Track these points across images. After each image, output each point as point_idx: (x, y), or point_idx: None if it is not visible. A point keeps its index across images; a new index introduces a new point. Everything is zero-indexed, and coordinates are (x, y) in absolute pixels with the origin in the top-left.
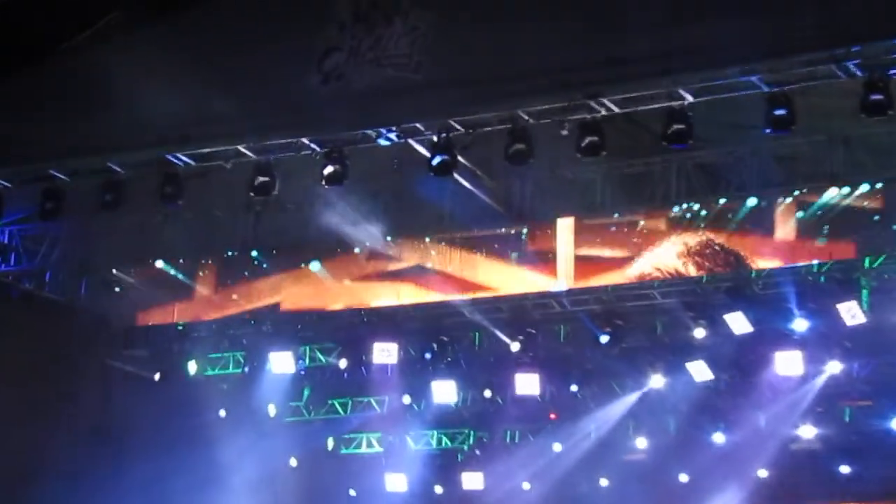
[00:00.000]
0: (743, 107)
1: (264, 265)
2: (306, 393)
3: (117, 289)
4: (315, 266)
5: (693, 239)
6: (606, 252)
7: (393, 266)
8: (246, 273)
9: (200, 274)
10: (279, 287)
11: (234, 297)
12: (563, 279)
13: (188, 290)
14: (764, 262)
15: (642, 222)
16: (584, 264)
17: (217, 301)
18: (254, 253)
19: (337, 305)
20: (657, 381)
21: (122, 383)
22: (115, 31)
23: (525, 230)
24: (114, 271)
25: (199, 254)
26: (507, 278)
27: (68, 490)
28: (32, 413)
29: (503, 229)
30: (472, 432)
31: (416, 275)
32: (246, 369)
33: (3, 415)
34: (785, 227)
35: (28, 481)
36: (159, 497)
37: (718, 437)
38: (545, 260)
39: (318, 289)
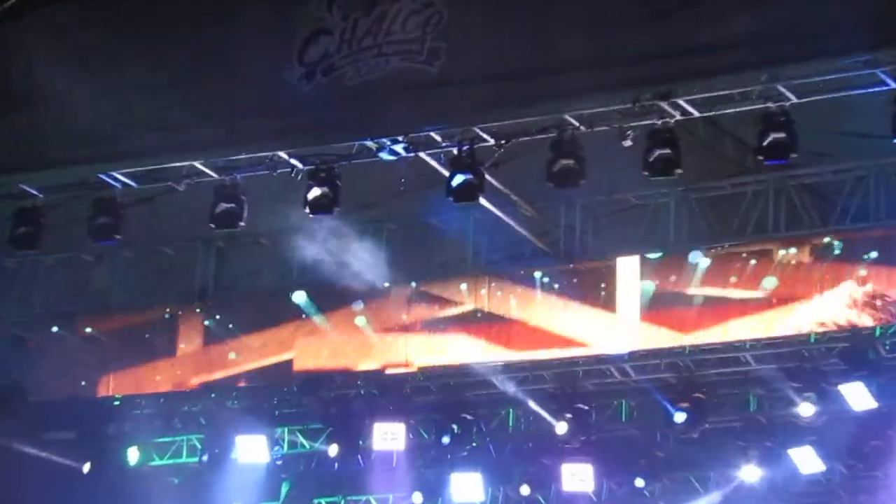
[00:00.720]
0: (864, 110)
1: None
2: (284, 489)
3: (34, 351)
4: (361, 321)
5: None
6: (735, 293)
7: (445, 311)
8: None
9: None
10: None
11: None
12: (624, 337)
13: (131, 351)
14: None
15: (783, 252)
16: (708, 308)
17: (173, 366)
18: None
19: (367, 366)
20: (750, 473)
21: (40, 475)
22: (25, 10)
23: None
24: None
25: (142, 305)
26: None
27: None
28: None
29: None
30: None
31: (474, 323)
32: (204, 458)
33: None
34: None
35: None
36: None
37: None
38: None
39: (336, 344)
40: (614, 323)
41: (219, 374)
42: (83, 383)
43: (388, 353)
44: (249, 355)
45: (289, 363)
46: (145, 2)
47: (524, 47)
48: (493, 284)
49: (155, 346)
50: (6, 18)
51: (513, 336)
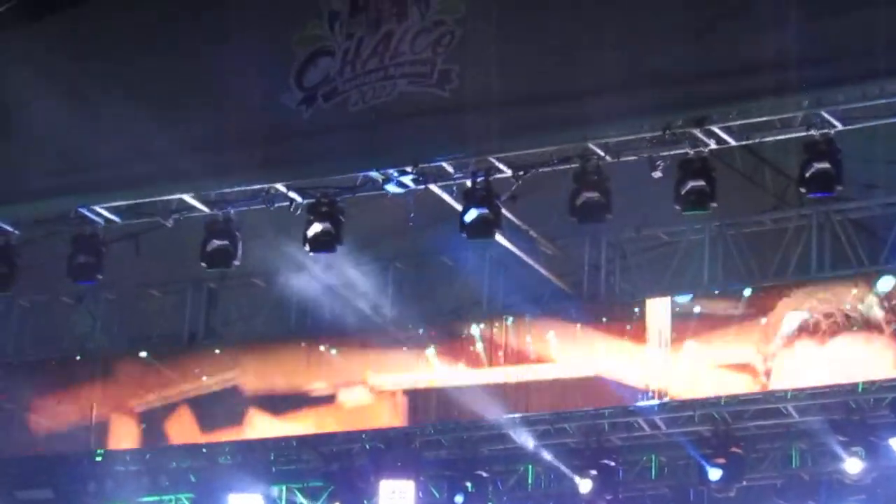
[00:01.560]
0: None
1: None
2: None
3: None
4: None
5: None
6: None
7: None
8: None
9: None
10: None
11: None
12: (654, 386)
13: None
14: None
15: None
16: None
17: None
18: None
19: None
20: None
21: None
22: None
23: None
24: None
25: (125, 350)
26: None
27: None
28: None
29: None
30: None
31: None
32: None
33: None
34: None
35: None
36: None
37: None
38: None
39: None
40: (644, 361)
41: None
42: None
43: None
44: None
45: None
46: (126, 25)
47: (544, 69)
48: (508, 324)
49: None
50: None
51: (531, 386)
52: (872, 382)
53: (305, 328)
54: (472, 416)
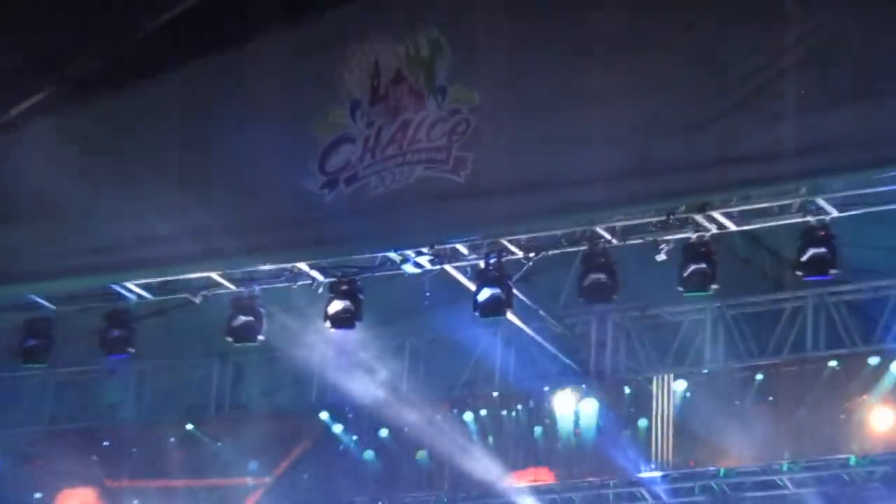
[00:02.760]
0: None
1: None
2: None
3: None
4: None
5: None
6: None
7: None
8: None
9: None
10: None
11: None
12: (659, 462)
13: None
14: None
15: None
16: None
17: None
18: None
19: None
20: None
21: None
22: (38, 115)
23: None
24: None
25: (156, 421)
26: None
27: None
28: None
29: None
30: None
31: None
32: None
33: None
34: None
35: None
36: None
37: None
38: None
39: None
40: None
41: None
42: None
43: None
44: None
45: None
46: (161, 113)
47: (554, 157)
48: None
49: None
50: (13, 126)
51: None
52: (864, 456)
53: (326, 403)
54: (482, 485)
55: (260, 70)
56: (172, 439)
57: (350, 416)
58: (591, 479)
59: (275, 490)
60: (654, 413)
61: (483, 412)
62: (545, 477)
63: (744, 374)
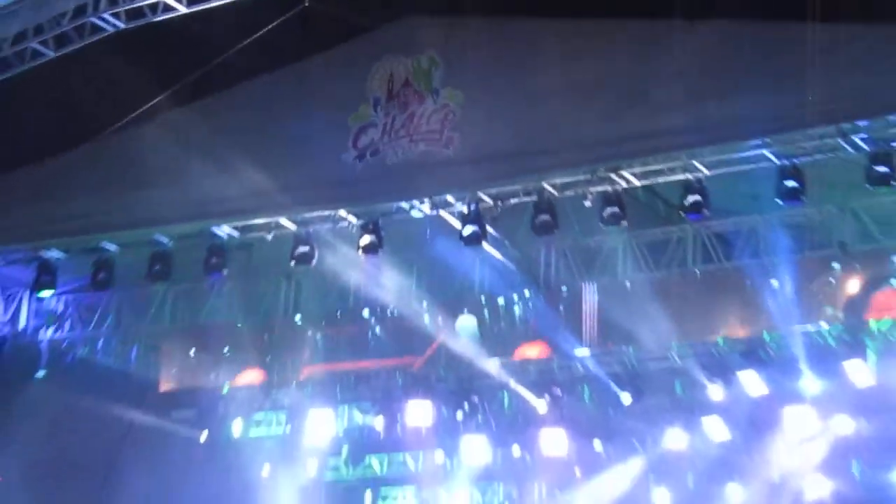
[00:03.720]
0: (758, 179)
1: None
2: (345, 449)
3: (165, 354)
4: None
5: None
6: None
7: None
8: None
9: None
10: None
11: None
12: (587, 342)
13: (237, 357)
14: None
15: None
16: None
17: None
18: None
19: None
20: (676, 438)
21: (169, 443)
22: (160, 113)
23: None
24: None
25: (243, 321)
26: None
27: None
28: (82, 475)
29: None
30: (501, 487)
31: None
32: (288, 429)
33: (63, 482)
34: None
35: None
36: None
37: (734, 491)
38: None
39: None
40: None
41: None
42: (201, 377)
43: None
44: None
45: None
46: (243, 107)
47: (515, 136)
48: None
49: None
50: (143, 123)
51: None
52: (729, 338)
53: (363, 301)
54: (468, 362)
55: (311, 79)
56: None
57: (375, 316)
58: (539, 358)
59: None
60: (583, 309)
61: (469, 305)
62: (523, 354)
63: (647, 281)
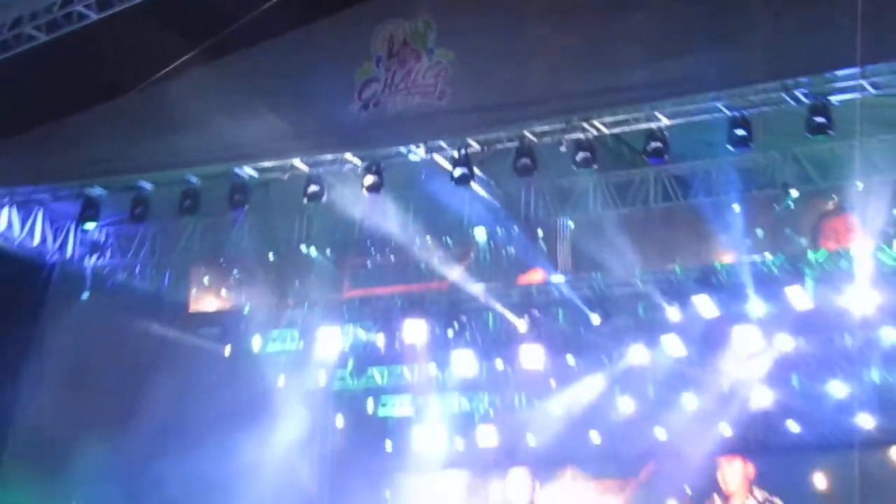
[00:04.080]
0: (711, 127)
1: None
2: (350, 362)
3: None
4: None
5: None
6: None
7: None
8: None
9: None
10: None
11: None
12: (562, 270)
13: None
14: None
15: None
16: None
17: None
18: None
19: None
20: (638, 353)
21: (197, 356)
22: (189, 70)
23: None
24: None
25: (261, 250)
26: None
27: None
28: (120, 385)
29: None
30: (486, 396)
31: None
32: (300, 345)
33: (104, 387)
34: None
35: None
36: (231, 448)
37: (689, 400)
38: None
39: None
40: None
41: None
42: (226, 299)
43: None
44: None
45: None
46: (263, 61)
47: (499, 90)
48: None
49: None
50: (176, 76)
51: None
52: (685, 267)
53: (367, 233)
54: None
55: (320, 40)
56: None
57: (376, 247)
58: (520, 283)
59: None
60: (558, 241)
61: (459, 237)
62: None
63: (614, 216)
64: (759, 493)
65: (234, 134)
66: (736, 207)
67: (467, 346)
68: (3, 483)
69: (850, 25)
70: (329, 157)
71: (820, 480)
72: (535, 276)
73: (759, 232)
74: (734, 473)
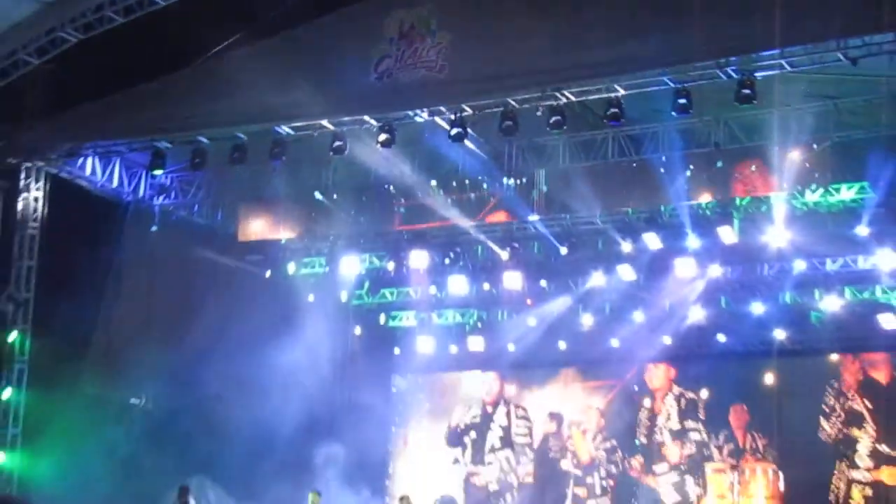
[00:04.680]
0: (659, 97)
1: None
2: (366, 284)
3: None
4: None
5: None
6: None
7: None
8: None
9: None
10: None
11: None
12: (537, 211)
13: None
14: None
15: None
16: None
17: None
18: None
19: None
20: (598, 279)
21: (243, 277)
22: (240, 46)
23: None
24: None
25: (298, 192)
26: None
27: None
28: (179, 303)
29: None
30: (475, 312)
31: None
32: (326, 269)
33: (166, 303)
34: None
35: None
36: (268, 353)
37: (638, 316)
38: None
39: None
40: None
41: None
42: (267, 232)
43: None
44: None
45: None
46: (298, 41)
47: (489, 65)
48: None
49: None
50: (229, 50)
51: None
52: (636, 209)
53: (380, 179)
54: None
55: (344, 24)
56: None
57: (388, 190)
58: (503, 221)
59: None
60: (534, 187)
61: (454, 183)
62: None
63: (580, 168)
64: (677, 389)
65: (274, 99)
66: (677, 162)
67: (460, 272)
68: (85, 379)
69: (770, 13)
70: (350, 118)
71: (741, 380)
72: (500, 216)
73: (696, 182)
74: (659, 375)
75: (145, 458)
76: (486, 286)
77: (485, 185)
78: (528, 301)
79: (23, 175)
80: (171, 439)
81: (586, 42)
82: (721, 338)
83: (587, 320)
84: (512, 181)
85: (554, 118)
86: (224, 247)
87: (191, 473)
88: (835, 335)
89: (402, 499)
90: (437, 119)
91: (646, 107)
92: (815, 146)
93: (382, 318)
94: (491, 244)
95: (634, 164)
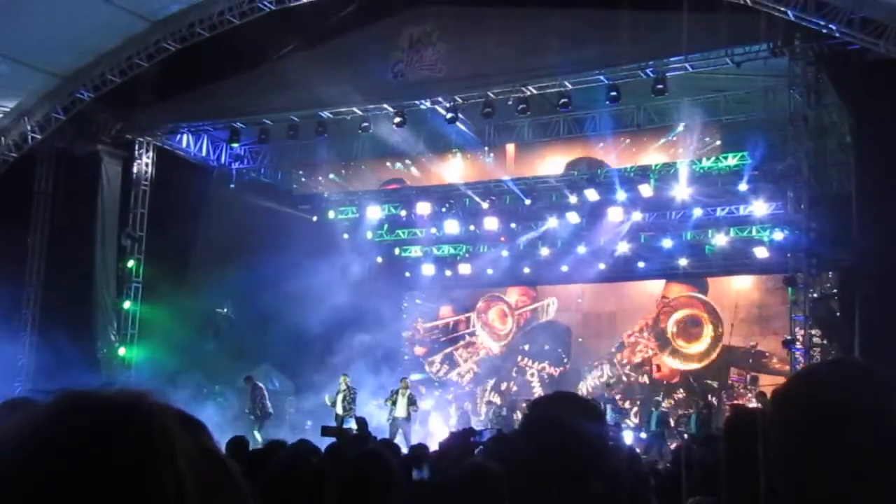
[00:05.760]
0: (597, 90)
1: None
2: (385, 227)
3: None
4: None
5: None
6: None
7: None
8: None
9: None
10: None
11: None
12: (508, 173)
13: (329, 175)
14: None
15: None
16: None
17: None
18: None
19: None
20: (552, 222)
21: (293, 222)
22: (294, 52)
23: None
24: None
25: (336, 159)
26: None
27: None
28: (250, 245)
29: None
30: (464, 246)
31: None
32: (357, 215)
33: (241, 243)
34: None
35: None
36: (313, 278)
37: (581, 249)
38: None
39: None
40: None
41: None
42: (313, 186)
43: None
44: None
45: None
46: (334, 49)
47: (476, 66)
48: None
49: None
50: (285, 56)
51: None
52: (580, 171)
53: (394, 152)
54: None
55: (368, 36)
56: (348, 165)
57: (401, 157)
58: (484, 180)
59: None
60: (507, 156)
61: (456, 151)
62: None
63: (537, 143)
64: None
65: (318, 92)
66: (610, 137)
67: (453, 217)
68: (183, 294)
69: (678, 29)
70: (374, 106)
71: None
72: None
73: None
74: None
75: (226, 352)
76: (472, 227)
77: (470, 155)
78: (502, 238)
79: (136, 147)
80: (245, 338)
81: (545, 50)
82: (641, 264)
83: (545, 251)
84: (491, 152)
85: (521, 106)
86: (282, 199)
87: (259, 362)
88: (722, 262)
89: (402, 380)
90: (437, 107)
91: (587, 97)
92: (709, 126)
93: (397, 251)
94: (475, 197)
95: (579, 140)
